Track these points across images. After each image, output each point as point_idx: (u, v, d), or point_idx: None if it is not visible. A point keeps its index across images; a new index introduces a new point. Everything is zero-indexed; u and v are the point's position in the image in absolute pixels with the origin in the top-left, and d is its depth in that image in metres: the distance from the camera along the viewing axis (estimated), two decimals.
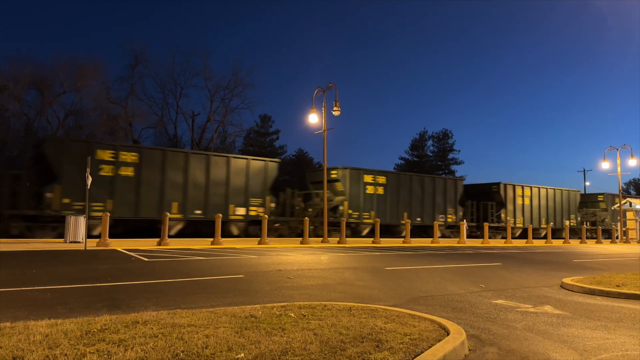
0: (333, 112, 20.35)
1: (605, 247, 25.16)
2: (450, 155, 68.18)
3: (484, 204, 31.45)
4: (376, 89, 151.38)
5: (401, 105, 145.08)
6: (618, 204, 34.41)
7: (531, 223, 31.59)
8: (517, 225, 31.92)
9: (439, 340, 4.21)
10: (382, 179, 27.38)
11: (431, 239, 23.80)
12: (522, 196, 32.77)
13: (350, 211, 25.64)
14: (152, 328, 4.29)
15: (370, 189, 26.71)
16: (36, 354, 3.45)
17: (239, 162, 22.88)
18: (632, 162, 30.87)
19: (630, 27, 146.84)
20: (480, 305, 6.64)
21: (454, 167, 67.48)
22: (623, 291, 7.83)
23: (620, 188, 33.94)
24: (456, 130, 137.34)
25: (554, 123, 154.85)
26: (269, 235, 19.84)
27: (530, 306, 6.70)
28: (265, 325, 4.54)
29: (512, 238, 28.07)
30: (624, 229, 32.93)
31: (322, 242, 19.63)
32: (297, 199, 25.39)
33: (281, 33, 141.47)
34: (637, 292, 7.67)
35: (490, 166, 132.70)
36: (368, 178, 26.72)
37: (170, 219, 17.86)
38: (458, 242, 23.23)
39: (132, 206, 19.69)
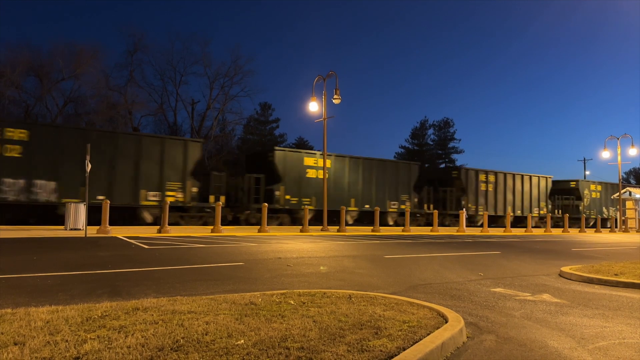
0: (333, 100, 20.25)
1: (604, 236, 25.23)
2: (451, 144, 68.07)
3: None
4: (377, 77, 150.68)
5: (402, 93, 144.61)
6: (618, 193, 34.43)
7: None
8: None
9: (438, 328, 4.24)
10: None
11: (431, 227, 23.87)
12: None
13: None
14: (153, 315, 4.31)
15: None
16: (37, 340, 3.47)
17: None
18: (632, 152, 30.79)
19: (631, 16, 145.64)
20: (479, 293, 6.67)
21: (454, 156, 67.43)
22: (621, 280, 7.86)
23: (620, 177, 33.95)
24: (457, 119, 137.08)
25: (554, 112, 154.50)
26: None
27: (528, 294, 6.73)
28: (264, 312, 4.56)
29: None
30: (623, 218, 32.99)
31: (321, 230, 19.68)
32: None
33: (281, 21, 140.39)
34: (635, 281, 7.70)
35: (490, 155, 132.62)
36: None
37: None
38: (457, 231, 23.28)
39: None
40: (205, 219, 21.94)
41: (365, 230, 22.05)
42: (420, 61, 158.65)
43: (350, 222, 26.37)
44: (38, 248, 10.66)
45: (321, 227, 20.38)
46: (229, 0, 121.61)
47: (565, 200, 36.60)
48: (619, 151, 31.89)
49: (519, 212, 32.72)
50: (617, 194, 35.03)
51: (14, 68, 31.47)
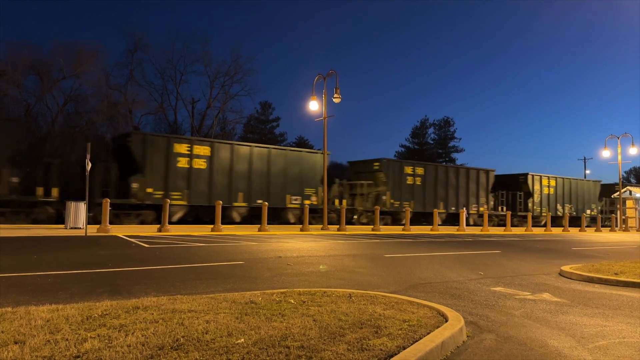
0: (333, 99, 20.24)
1: (604, 236, 25.23)
2: (451, 143, 68.14)
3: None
4: (377, 77, 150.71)
5: (402, 93, 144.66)
6: (618, 193, 34.39)
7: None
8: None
9: (438, 327, 4.24)
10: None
11: (431, 226, 23.86)
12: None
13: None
14: (153, 313, 4.32)
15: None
16: (37, 339, 3.47)
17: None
18: (632, 151, 30.75)
19: (631, 16, 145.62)
20: (479, 293, 6.67)
21: (454, 155, 67.50)
22: (621, 279, 7.86)
23: (621, 176, 33.95)
24: (457, 119, 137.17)
25: (555, 111, 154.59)
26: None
27: (528, 293, 6.73)
28: (265, 311, 4.57)
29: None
30: (623, 217, 32.98)
31: (322, 229, 19.69)
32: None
33: (281, 21, 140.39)
34: (636, 280, 7.70)
35: (490, 154, 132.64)
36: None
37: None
38: (457, 230, 23.28)
39: None
40: (35, 215, 18.46)
41: (365, 229, 22.05)
42: (420, 61, 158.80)
43: (238, 219, 22.82)
44: (38, 247, 10.67)
45: (321, 225, 20.39)
46: (229, 0, 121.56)
47: (511, 195, 33.49)
48: (619, 150, 31.90)
49: (454, 208, 29.89)
50: (618, 193, 35.02)
51: (15, 67, 31.46)
